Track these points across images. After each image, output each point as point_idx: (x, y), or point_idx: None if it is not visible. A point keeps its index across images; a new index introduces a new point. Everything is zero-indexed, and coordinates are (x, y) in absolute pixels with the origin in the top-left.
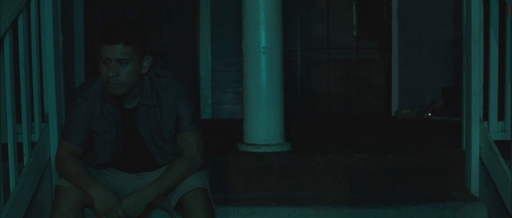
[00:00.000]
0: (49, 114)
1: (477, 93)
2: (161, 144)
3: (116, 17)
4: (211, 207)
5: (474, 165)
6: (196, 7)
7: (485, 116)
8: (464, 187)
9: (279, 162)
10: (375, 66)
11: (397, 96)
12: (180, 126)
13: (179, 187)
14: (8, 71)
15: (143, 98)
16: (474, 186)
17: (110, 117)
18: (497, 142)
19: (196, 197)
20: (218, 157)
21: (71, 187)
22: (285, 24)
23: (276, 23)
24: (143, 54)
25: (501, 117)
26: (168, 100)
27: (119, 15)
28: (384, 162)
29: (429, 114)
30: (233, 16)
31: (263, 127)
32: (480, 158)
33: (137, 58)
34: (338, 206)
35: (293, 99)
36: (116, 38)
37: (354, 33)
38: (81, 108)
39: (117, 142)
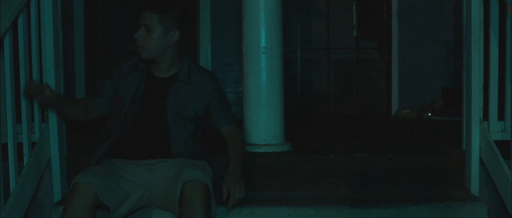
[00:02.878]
0: (49, 114)
1: (477, 93)
2: (181, 122)
3: (117, 17)
4: (208, 205)
5: (474, 165)
6: (196, 7)
7: (485, 116)
8: (464, 187)
9: (279, 162)
10: (375, 66)
11: (397, 96)
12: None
13: (182, 176)
14: (8, 71)
15: (180, 75)
16: (474, 186)
17: (134, 81)
18: (497, 142)
19: (196, 191)
20: (218, 157)
21: (89, 185)
22: (285, 24)
23: (276, 23)
24: (170, 27)
25: (501, 117)
26: (201, 85)
27: (119, 15)
28: (384, 162)
29: (429, 114)
30: (233, 16)
31: (263, 127)
32: (480, 158)
33: (161, 28)
34: (338, 206)
35: (293, 99)
36: (145, 7)
37: (354, 33)
38: (113, 74)
39: (132, 108)
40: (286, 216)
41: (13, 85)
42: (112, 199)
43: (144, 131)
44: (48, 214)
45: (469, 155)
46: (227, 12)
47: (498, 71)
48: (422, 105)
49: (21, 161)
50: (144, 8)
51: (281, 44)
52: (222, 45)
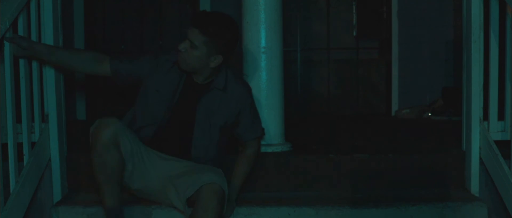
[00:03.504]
0: (49, 114)
1: (477, 93)
2: (207, 129)
3: (117, 17)
4: (222, 209)
5: (474, 165)
6: (196, 7)
7: (485, 116)
8: (464, 187)
9: (279, 162)
10: (375, 66)
11: (397, 96)
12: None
13: (200, 178)
14: (8, 71)
15: (216, 83)
16: (474, 186)
17: (172, 81)
18: (497, 142)
19: (211, 196)
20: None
21: (112, 122)
22: (285, 24)
23: (276, 23)
24: (214, 51)
25: (501, 117)
26: (235, 94)
27: (119, 15)
28: (384, 162)
29: (429, 114)
30: (233, 16)
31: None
32: (480, 158)
33: (205, 50)
34: (338, 206)
35: (293, 99)
36: (196, 23)
37: (354, 33)
38: (145, 63)
39: (168, 109)
40: (286, 216)
41: (13, 86)
42: (127, 144)
43: (170, 131)
44: (48, 214)
45: (469, 155)
46: (227, 12)
47: (498, 71)
48: (422, 106)
49: (21, 161)
50: (194, 25)
51: (281, 44)
52: None
